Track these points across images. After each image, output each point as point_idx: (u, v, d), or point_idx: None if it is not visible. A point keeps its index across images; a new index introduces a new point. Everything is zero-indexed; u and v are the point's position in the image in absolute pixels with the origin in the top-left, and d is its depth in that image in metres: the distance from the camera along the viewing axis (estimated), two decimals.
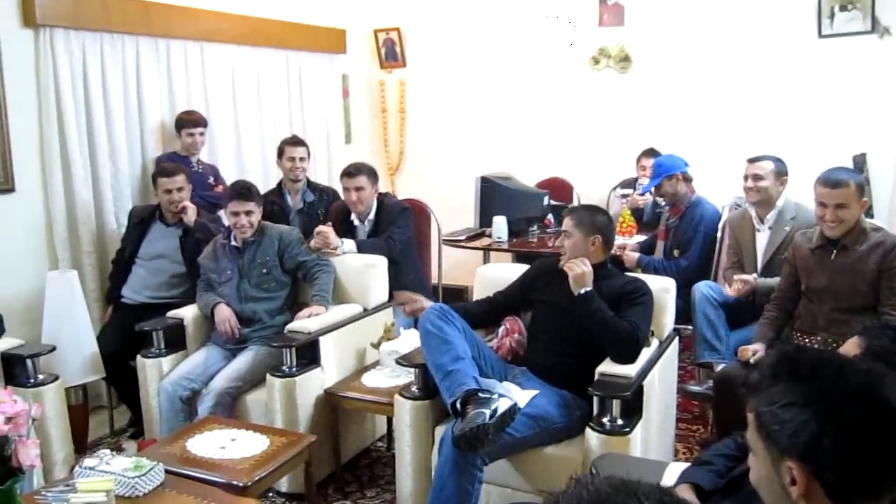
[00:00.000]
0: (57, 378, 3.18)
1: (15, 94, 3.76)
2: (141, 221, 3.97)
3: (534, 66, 5.75)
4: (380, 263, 3.74)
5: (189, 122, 4.40)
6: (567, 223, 2.89)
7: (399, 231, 3.97)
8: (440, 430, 2.75)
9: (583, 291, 2.73)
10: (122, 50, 4.22)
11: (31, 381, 3.11)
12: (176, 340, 3.53)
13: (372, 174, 4.01)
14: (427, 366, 2.75)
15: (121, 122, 4.23)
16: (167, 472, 2.42)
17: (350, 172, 3.98)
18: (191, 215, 3.88)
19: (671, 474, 2.04)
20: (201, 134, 4.43)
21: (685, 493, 1.76)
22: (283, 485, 3.17)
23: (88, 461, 2.41)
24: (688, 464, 2.02)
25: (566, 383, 2.78)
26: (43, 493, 2.23)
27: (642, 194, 4.81)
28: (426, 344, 2.75)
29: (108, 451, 2.50)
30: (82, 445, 3.58)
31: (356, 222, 4.07)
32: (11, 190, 3.78)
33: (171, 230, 3.94)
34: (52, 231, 3.95)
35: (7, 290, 3.70)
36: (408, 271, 4.05)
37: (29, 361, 3.12)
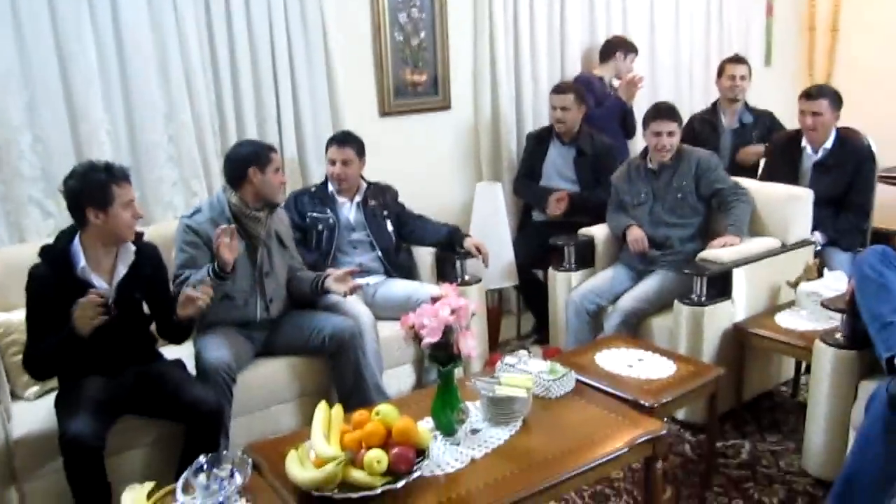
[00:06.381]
0: (479, 280, 3.50)
1: (455, 20, 4.10)
2: (539, 141, 4.14)
3: None
4: (805, 196, 3.44)
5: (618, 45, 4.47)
6: None
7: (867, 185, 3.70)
8: (865, 385, 2.49)
9: None
10: None
11: (459, 280, 3.43)
12: (585, 257, 3.65)
13: (835, 99, 3.68)
14: (859, 313, 2.47)
15: (543, 45, 4.40)
16: (576, 381, 2.53)
17: (810, 94, 3.70)
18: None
19: None
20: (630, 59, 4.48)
21: None
22: (681, 412, 3.15)
23: (509, 359, 2.62)
24: None
25: None
26: (472, 380, 2.48)
27: None
28: (862, 289, 2.46)
29: (525, 353, 2.69)
30: (493, 344, 3.92)
31: (808, 150, 3.77)
32: (448, 107, 4.17)
33: (566, 149, 4.05)
34: (479, 146, 4.30)
35: (443, 198, 4.13)
36: None
37: (458, 262, 3.45)
